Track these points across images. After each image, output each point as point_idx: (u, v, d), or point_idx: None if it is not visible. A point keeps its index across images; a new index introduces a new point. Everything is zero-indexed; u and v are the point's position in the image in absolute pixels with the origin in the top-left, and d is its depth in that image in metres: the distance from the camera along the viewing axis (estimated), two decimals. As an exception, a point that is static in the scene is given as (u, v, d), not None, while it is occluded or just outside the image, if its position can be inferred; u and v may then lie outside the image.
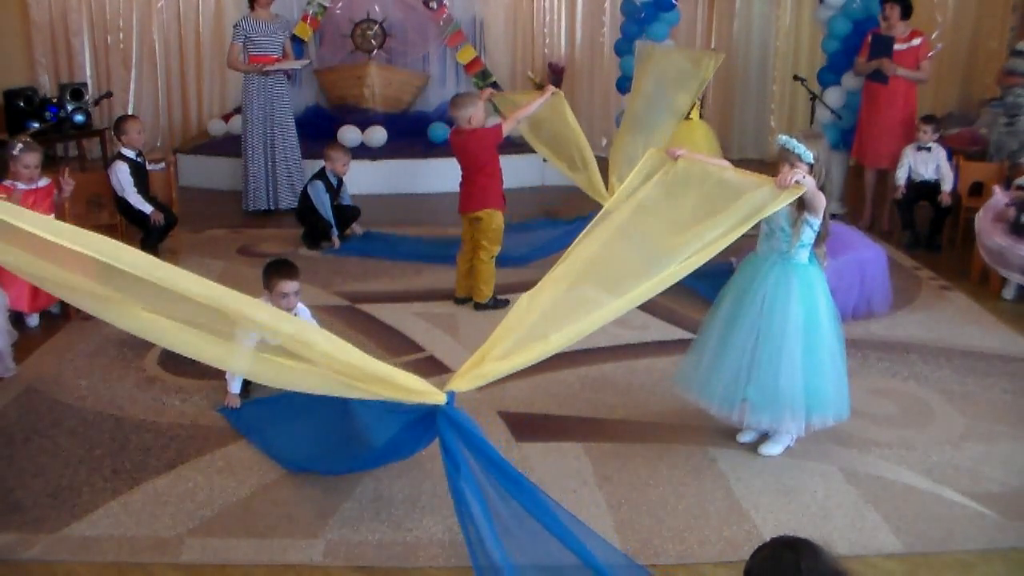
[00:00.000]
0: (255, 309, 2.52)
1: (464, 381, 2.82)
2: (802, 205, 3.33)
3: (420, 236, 6.76)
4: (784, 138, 3.40)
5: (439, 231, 6.81)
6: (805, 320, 3.44)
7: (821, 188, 3.34)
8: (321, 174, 6.56)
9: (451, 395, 2.81)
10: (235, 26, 7.17)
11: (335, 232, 6.50)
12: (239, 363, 2.73)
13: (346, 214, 6.66)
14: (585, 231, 3.14)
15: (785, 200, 3.13)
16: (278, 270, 4.07)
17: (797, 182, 3.12)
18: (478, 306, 5.31)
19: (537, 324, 2.83)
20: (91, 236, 2.32)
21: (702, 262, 2.98)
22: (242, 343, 2.64)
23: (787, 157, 3.38)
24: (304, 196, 6.58)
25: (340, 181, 6.64)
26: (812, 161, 3.34)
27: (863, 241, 5.34)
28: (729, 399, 3.56)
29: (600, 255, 3.06)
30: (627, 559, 2.92)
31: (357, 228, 6.76)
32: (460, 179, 5.33)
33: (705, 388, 3.62)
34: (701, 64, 6.43)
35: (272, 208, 7.33)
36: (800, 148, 3.34)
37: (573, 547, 2.71)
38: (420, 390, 2.75)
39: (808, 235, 3.43)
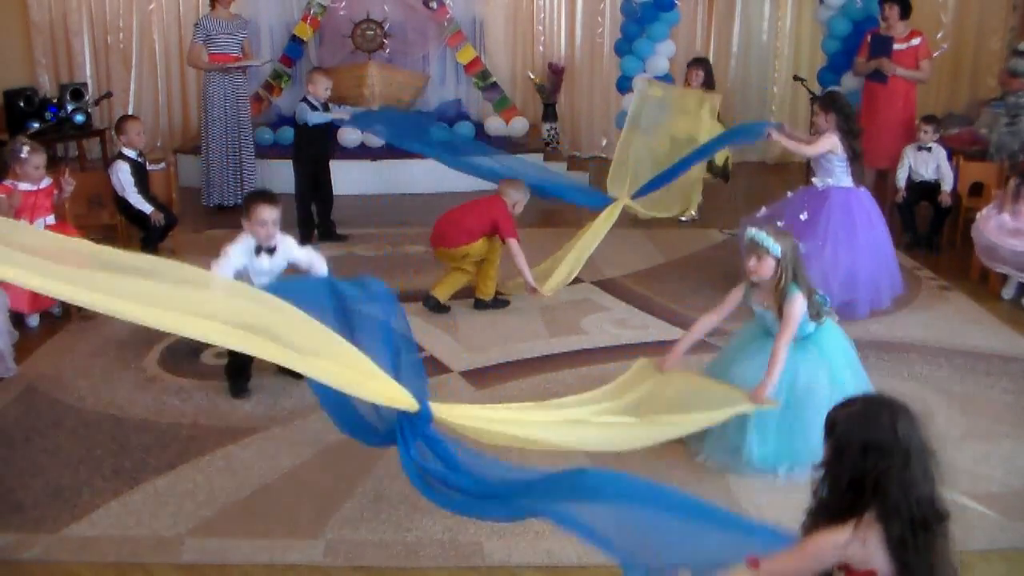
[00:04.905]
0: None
1: (443, 410, 2.91)
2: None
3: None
4: (753, 231, 3.47)
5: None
6: (830, 381, 3.48)
7: (795, 277, 3.42)
8: (303, 100, 6.61)
9: (426, 408, 2.82)
10: (196, 25, 7.25)
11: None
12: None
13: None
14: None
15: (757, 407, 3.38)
16: (256, 198, 4.03)
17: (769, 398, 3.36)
18: (478, 304, 5.30)
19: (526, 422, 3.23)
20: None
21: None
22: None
23: (755, 249, 3.45)
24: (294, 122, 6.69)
25: (326, 107, 6.65)
26: (779, 255, 3.40)
27: (881, 224, 5.39)
28: (722, 453, 3.60)
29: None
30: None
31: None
32: (444, 214, 5.34)
33: (694, 438, 3.66)
34: (704, 103, 6.47)
35: (238, 203, 7.28)
36: (768, 241, 3.41)
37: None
38: (397, 397, 2.77)
39: (805, 318, 3.48)
